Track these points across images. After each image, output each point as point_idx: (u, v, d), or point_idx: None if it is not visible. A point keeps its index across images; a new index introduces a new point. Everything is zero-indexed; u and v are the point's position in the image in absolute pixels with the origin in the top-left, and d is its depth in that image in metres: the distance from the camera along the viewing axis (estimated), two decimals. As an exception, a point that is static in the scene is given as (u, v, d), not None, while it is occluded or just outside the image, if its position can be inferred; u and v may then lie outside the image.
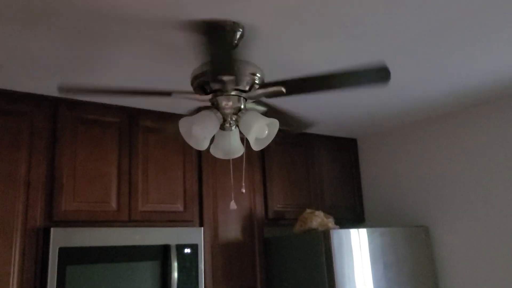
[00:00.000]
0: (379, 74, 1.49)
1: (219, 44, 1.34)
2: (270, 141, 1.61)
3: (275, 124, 1.58)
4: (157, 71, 2.07)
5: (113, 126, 2.49)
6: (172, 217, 2.56)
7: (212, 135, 1.57)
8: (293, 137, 3.26)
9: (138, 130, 2.57)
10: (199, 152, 2.77)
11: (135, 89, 1.57)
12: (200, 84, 1.62)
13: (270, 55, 1.96)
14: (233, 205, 1.61)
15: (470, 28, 1.84)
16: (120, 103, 2.50)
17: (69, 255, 2.14)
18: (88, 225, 2.31)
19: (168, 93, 1.61)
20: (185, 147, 2.71)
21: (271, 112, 1.76)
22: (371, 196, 3.49)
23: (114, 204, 2.39)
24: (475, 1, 1.62)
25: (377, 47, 1.97)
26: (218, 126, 1.59)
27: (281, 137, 3.19)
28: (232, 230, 2.77)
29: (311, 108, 2.83)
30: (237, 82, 1.54)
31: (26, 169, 2.19)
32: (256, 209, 2.90)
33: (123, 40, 1.74)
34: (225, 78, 1.47)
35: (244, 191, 1.78)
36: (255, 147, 1.60)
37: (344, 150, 3.55)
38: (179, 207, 2.61)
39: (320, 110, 2.90)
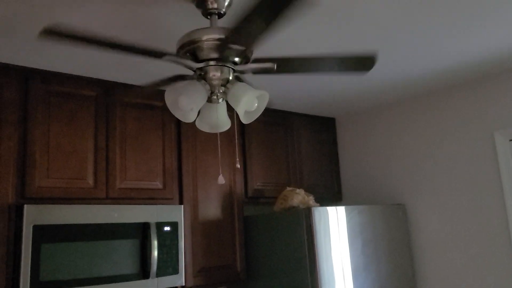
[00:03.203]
0: (364, 63, 1.61)
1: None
2: (260, 113, 1.56)
3: (265, 96, 1.53)
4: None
5: (89, 100, 2.37)
6: (151, 195, 2.49)
7: (200, 107, 1.51)
8: (273, 116, 3.22)
9: (116, 105, 2.46)
10: (179, 129, 2.69)
11: (127, 43, 1.42)
12: (187, 51, 1.54)
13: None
14: (221, 179, 1.56)
15: (451, 5, 1.83)
16: (97, 75, 2.39)
17: (44, 233, 2.05)
18: (64, 202, 2.21)
19: (160, 54, 1.49)
20: (164, 123, 2.62)
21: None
22: (348, 175, 3.51)
23: (90, 181, 2.30)
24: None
25: (356, 23, 1.94)
26: (206, 97, 1.53)
27: (261, 115, 3.15)
28: (212, 208, 2.72)
29: (290, 86, 2.79)
30: (234, 54, 1.48)
31: (-4, 143, 2.07)
32: (236, 187, 2.87)
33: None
34: (236, 47, 1.40)
35: (239, 166, 1.73)
36: (245, 120, 1.55)
37: (323, 129, 3.54)
38: (158, 184, 2.54)
39: (299, 89, 2.87)
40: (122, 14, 1.74)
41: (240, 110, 1.48)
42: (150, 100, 2.59)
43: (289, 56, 1.60)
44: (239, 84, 1.53)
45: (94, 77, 2.40)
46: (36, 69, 2.23)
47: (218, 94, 1.57)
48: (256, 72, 1.55)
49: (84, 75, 2.36)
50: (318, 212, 2.57)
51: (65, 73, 2.32)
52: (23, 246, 1.99)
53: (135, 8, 1.70)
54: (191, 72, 1.58)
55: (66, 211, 2.14)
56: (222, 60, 1.54)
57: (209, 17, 1.64)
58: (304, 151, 3.35)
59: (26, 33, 1.86)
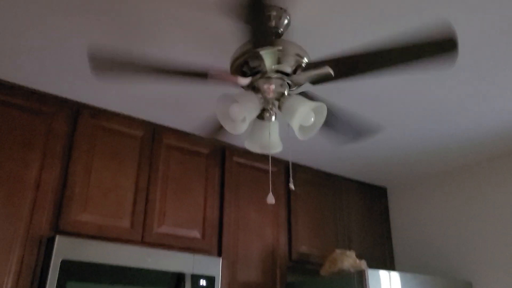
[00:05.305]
0: (443, 46, 1.23)
1: (259, 19, 1.24)
2: (318, 129, 1.43)
3: (322, 109, 1.41)
4: (201, 58, 1.92)
5: (135, 139, 2.33)
6: (188, 244, 2.31)
7: (251, 118, 1.39)
8: (322, 177, 3.05)
9: (161, 147, 2.40)
10: (223, 177, 2.56)
11: (170, 67, 1.42)
12: (239, 66, 1.47)
13: (318, 49, 1.79)
14: (270, 198, 1.39)
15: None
16: (146, 117, 2.36)
17: (71, 270, 1.88)
18: (97, 240, 2.06)
19: (204, 75, 1.46)
20: (208, 170, 2.51)
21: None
22: (402, 247, 3.18)
23: (127, 221, 2.16)
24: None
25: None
26: (259, 109, 1.42)
27: (309, 175, 2.99)
28: (252, 268, 2.47)
29: (340, 151, 2.69)
30: (278, 61, 1.40)
31: (37, 171, 2.01)
32: (279, 248, 2.62)
33: (168, 22, 1.64)
34: (264, 51, 1.33)
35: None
36: (300, 135, 1.42)
37: (373, 198, 3.31)
38: (197, 234, 2.36)
39: (349, 153, 2.78)
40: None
41: (295, 123, 1.35)
42: (196, 146, 2.51)
43: (349, 54, 1.35)
44: (295, 96, 1.42)
45: (144, 118, 2.37)
46: (87, 104, 2.23)
47: (272, 110, 1.47)
48: (313, 81, 1.44)
49: (132, 114, 2.34)
50: (373, 275, 2.27)
51: (115, 111, 2.31)
52: (48, 282, 1.81)
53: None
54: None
55: (98, 249, 1.98)
56: (285, 73, 1.46)
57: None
58: (354, 218, 3.09)
59: (81, 69, 1.89)
